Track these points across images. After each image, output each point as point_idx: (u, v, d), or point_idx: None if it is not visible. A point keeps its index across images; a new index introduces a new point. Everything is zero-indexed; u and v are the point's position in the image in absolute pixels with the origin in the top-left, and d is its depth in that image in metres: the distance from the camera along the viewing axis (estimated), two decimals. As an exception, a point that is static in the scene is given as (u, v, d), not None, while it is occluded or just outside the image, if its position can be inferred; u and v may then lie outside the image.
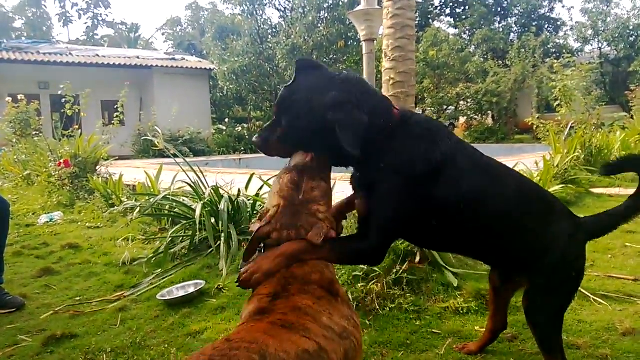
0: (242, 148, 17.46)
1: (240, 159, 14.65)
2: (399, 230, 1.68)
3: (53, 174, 7.23)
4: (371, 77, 4.25)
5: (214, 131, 20.33)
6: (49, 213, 6.19)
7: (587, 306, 2.73)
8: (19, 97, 9.70)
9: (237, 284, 1.46)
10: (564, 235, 1.75)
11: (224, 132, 19.52)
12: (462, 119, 22.67)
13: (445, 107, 22.26)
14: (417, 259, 3.10)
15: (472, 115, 21.54)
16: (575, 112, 7.43)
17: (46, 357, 2.49)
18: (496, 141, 18.47)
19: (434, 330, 2.53)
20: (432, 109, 22.42)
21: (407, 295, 2.82)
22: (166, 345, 2.53)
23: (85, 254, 4.41)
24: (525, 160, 6.09)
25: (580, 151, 6.57)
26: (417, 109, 21.48)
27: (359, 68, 18.03)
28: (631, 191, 1.84)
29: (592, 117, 7.61)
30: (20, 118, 9.50)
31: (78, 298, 3.35)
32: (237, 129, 20.48)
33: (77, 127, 7.80)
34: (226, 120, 23.40)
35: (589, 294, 2.84)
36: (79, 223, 5.68)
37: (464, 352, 2.28)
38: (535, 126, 7.62)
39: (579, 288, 2.90)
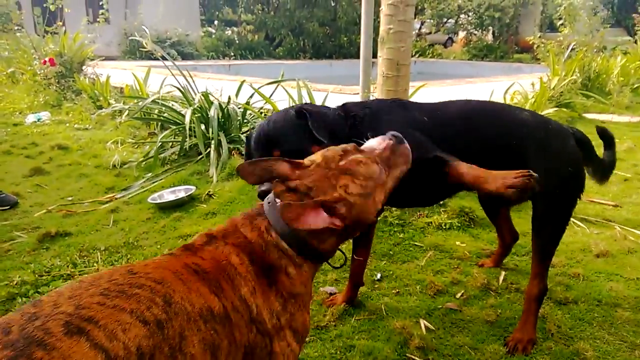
0: (232, 53, 16.84)
1: (230, 64, 14.21)
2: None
3: (38, 72, 7.01)
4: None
5: (203, 34, 19.49)
6: (36, 113, 6.08)
7: (566, 228, 2.84)
8: (-3, -12, 9.09)
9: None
10: (549, 139, 1.77)
11: (213, 36, 18.71)
12: (462, 34, 21.94)
13: (445, 19, 21.43)
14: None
15: (472, 30, 20.83)
16: (578, 32, 7.21)
17: (42, 253, 2.58)
18: (494, 59, 18.02)
19: (416, 243, 2.64)
20: (432, 21, 21.60)
21: (393, 209, 2.90)
22: (159, 246, 2.62)
23: (74, 155, 4.41)
24: (522, 81, 6.00)
25: (579, 74, 6.47)
26: (416, 20, 20.67)
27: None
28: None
29: (595, 40, 7.40)
30: (0, 11, 8.96)
31: (70, 198, 3.40)
32: (226, 32, 19.63)
33: (60, 23, 7.43)
34: (215, 22, 22.35)
35: (568, 216, 2.94)
36: (67, 124, 5.61)
37: (485, 266, 2.39)
38: (535, 45, 7.40)
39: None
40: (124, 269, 0.97)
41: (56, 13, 7.62)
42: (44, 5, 7.62)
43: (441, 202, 3.05)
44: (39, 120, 5.78)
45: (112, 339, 0.79)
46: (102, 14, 7.97)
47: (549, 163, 1.74)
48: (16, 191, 3.47)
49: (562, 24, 7.27)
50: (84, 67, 7.24)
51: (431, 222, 2.84)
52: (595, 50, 7.21)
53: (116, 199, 3.37)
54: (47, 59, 6.77)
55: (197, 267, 1.05)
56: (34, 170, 3.95)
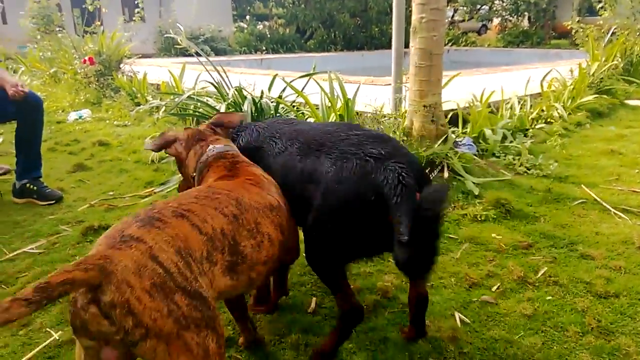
0: (264, 48, 16.94)
1: (262, 59, 14.30)
2: None
3: (79, 71, 7.24)
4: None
5: (235, 29, 19.67)
6: (77, 110, 6.30)
7: (607, 219, 2.76)
8: (39, -9, 9.43)
9: None
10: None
11: (245, 31, 18.84)
12: (496, 20, 21.38)
13: (479, 6, 20.92)
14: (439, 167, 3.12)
15: (506, 17, 20.26)
16: (619, 16, 6.92)
17: (86, 246, 2.69)
18: (531, 45, 17.51)
19: (450, 236, 2.62)
20: (465, 8, 21.12)
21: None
22: (196, 240, 2.69)
23: (115, 151, 4.55)
24: (560, 68, 5.82)
25: (620, 59, 6.21)
26: (449, 8, 20.26)
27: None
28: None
29: (638, 22, 7.08)
30: (42, 13, 9.30)
31: (111, 193, 3.53)
32: (258, 26, 19.74)
33: (98, 23, 7.66)
34: (247, 17, 22.51)
35: (610, 207, 2.86)
36: (107, 121, 5.79)
37: None
38: (574, 30, 7.14)
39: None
40: (204, 186, 1.53)
41: (94, 13, 7.85)
42: (83, 6, 7.86)
43: (476, 194, 3.02)
44: (80, 117, 5.99)
45: (204, 222, 1.25)
46: (138, 12, 8.16)
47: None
48: (60, 186, 3.62)
49: (602, 7, 7.00)
50: (121, 65, 7.44)
51: (466, 214, 2.81)
52: (638, 33, 6.90)
53: (155, 192, 3.47)
54: (86, 58, 6.99)
55: (252, 181, 1.56)
56: (77, 166, 4.11)
